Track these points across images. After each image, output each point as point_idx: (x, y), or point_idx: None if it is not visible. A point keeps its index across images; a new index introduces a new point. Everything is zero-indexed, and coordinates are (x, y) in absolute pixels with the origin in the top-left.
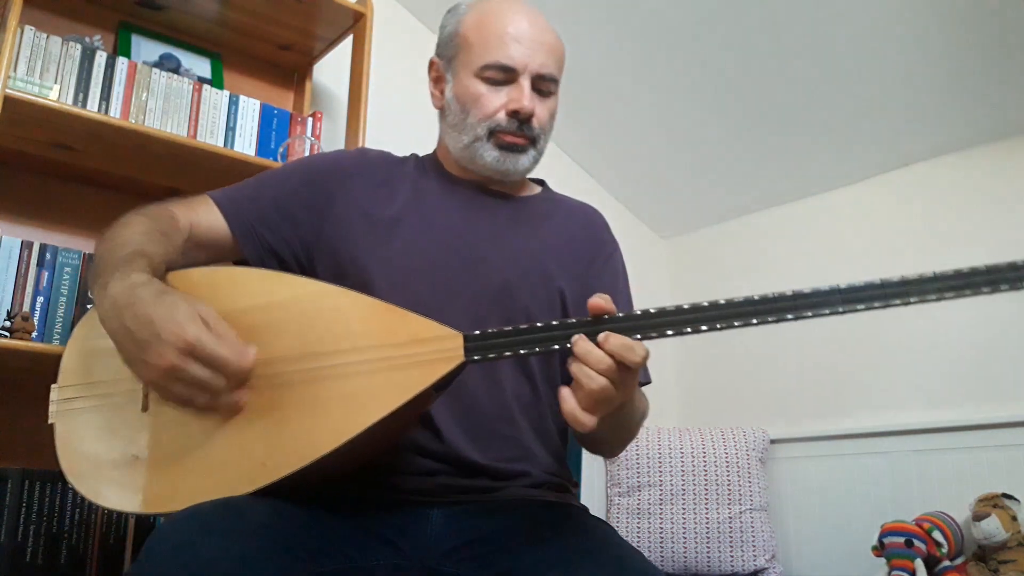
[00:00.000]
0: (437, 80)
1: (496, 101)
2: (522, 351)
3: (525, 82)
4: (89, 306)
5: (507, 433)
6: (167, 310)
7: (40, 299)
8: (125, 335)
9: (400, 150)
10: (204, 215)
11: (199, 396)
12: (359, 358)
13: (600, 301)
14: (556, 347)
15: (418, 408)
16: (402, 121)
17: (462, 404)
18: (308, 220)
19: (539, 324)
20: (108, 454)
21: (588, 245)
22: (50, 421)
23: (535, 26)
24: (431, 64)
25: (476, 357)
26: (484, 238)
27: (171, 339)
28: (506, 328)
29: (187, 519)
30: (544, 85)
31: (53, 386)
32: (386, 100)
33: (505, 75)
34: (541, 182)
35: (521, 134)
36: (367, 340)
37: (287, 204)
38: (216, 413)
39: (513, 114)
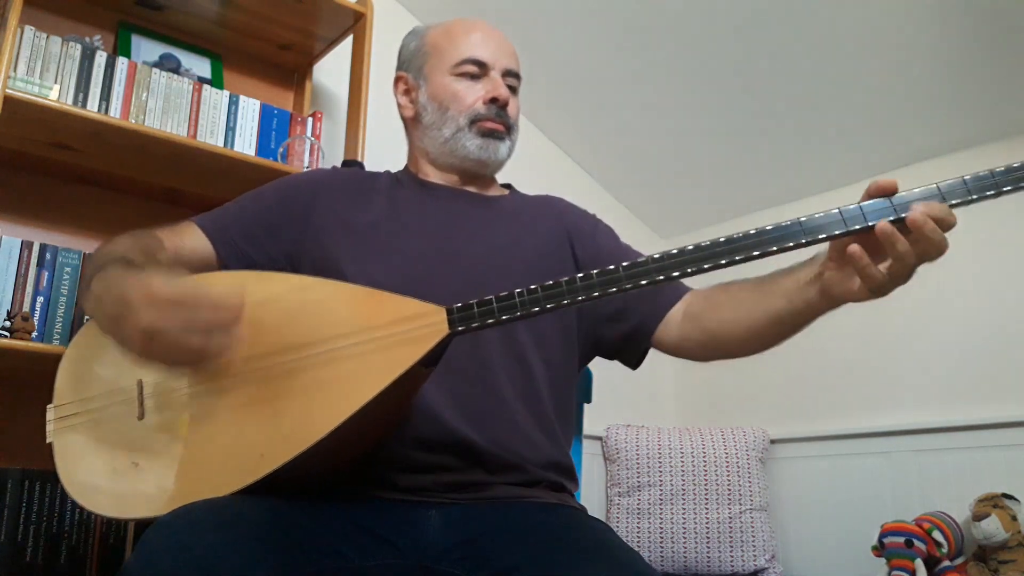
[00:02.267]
0: (406, 91)
1: (473, 93)
2: (504, 317)
3: (497, 75)
4: (86, 318)
5: (504, 420)
6: (135, 281)
7: (40, 299)
8: (109, 322)
9: (400, 151)
10: (188, 239)
11: (192, 338)
12: (347, 342)
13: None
14: (536, 309)
15: (410, 387)
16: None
17: (456, 396)
18: (289, 233)
19: (518, 290)
20: (108, 465)
21: (566, 227)
22: (48, 440)
23: (496, 33)
24: (398, 79)
25: (460, 328)
26: (461, 236)
27: (139, 299)
28: (486, 298)
29: (179, 518)
30: (511, 81)
31: (49, 406)
32: (386, 100)
33: (479, 69)
34: (508, 186)
35: (500, 120)
36: (353, 325)
37: (268, 219)
38: (210, 367)
39: (492, 101)
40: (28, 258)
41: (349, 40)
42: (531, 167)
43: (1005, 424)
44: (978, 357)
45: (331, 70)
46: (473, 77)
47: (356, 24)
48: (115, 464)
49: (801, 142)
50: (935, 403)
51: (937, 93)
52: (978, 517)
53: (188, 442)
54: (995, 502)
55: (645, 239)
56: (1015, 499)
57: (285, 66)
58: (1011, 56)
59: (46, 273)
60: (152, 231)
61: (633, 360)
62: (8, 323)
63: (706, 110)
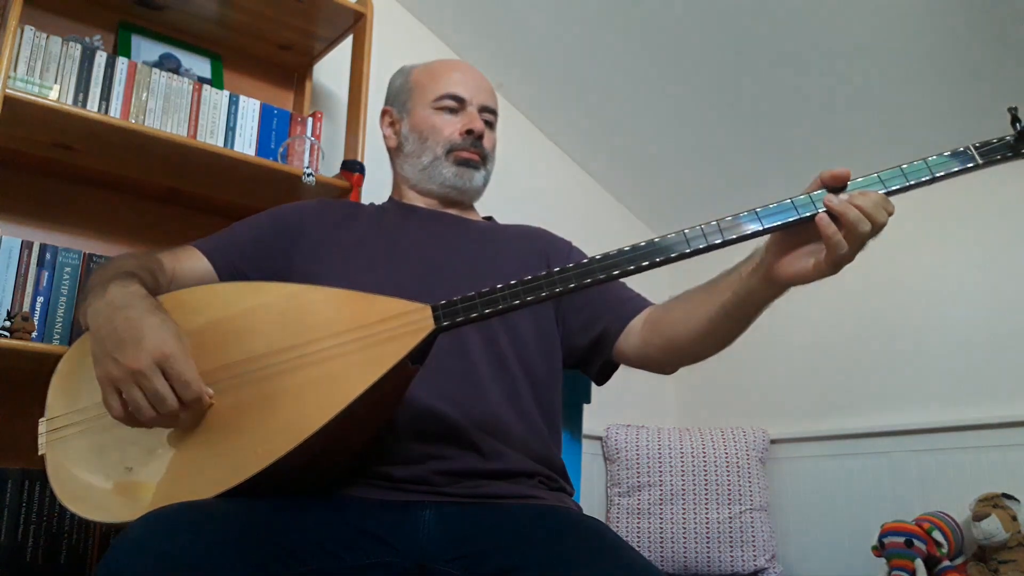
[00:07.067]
0: (391, 124)
1: (451, 126)
2: (487, 311)
3: (473, 109)
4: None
5: (489, 413)
6: (157, 323)
7: (40, 299)
8: (109, 332)
9: None
10: (187, 261)
11: (147, 410)
12: (336, 342)
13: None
14: (517, 302)
15: (398, 385)
16: None
17: (444, 393)
18: (281, 252)
19: (499, 286)
20: (102, 472)
21: (541, 248)
22: (40, 452)
23: (475, 72)
24: (384, 112)
25: (445, 323)
26: (442, 251)
27: (151, 347)
28: (470, 294)
29: (150, 520)
30: (487, 116)
31: (41, 419)
32: None
33: (457, 104)
34: (489, 218)
35: (475, 150)
36: (342, 325)
37: (261, 240)
38: (147, 433)
39: (467, 133)
40: (28, 258)
41: (349, 40)
42: (529, 165)
43: (1005, 424)
44: (978, 357)
45: (331, 70)
46: (451, 111)
47: (356, 24)
48: (108, 470)
49: (801, 141)
50: (935, 403)
51: (937, 93)
52: (978, 517)
53: (181, 444)
54: (995, 502)
55: (641, 236)
56: (1015, 499)
57: (285, 66)
58: (1011, 56)
59: (46, 273)
60: (153, 253)
61: (599, 371)
62: (8, 323)
63: (706, 109)
